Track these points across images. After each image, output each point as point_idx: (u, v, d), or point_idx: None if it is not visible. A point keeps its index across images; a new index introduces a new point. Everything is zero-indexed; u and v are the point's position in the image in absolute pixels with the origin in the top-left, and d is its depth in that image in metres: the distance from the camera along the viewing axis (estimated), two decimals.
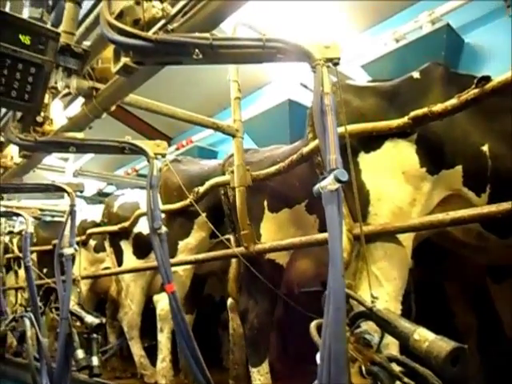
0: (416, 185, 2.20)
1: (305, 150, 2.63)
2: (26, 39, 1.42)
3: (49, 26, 1.65)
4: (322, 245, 2.55)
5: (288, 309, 3.30)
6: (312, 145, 2.51)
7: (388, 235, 2.13)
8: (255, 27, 2.73)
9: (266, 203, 2.99)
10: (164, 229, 2.19)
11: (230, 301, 3.31)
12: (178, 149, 7.77)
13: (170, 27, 1.65)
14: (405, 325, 1.23)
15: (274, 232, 2.92)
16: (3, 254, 6.24)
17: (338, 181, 1.22)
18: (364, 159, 2.29)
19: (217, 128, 3.04)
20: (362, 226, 1.98)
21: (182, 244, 3.86)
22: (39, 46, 1.45)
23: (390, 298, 2.05)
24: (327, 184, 1.25)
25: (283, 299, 2.92)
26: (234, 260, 3.32)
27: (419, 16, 4.28)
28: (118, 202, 4.79)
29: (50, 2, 2.48)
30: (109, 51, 2.30)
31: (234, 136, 3.11)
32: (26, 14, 2.35)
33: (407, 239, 2.19)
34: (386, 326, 1.26)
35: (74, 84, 1.81)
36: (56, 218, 6.79)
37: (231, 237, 3.27)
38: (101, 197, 8.39)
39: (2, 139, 2.51)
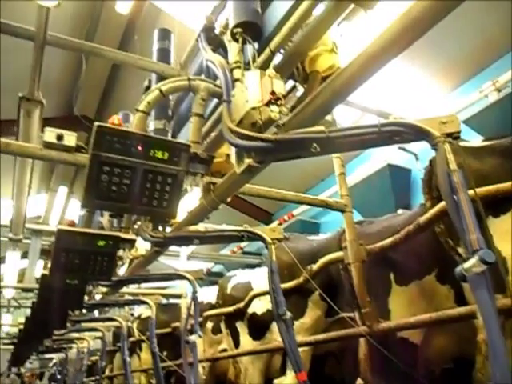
0: None
1: (422, 219, 2.53)
2: (164, 155, 1.61)
3: (182, 140, 1.86)
4: (456, 321, 2.34)
5: None
6: (430, 214, 2.41)
7: None
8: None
9: (392, 276, 2.86)
10: (289, 314, 2.18)
11: (359, 381, 3.11)
12: (280, 224, 7.91)
13: (280, 122, 1.78)
14: None
15: (404, 307, 2.75)
16: (127, 337, 6.62)
17: (485, 262, 1.14)
18: (494, 224, 2.13)
19: (326, 206, 3.06)
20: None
21: (297, 324, 3.78)
22: (174, 158, 1.65)
23: None
24: (472, 266, 1.17)
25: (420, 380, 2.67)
26: (362, 339, 3.15)
27: None
28: (231, 284, 4.91)
29: (170, 113, 2.84)
30: (223, 148, 2.52)
31: (343, 211, 3.10)
32: (151, 126, 2.71)
33: None
34: None
35: (201, 185, 2.00)
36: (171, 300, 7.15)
37: (354, 314, 3.13)
38: (210, 277, 8.72)
39: (135, 237, 2.78)
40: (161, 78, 2.87)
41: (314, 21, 1.69)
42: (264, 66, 1.82)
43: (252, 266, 8.20)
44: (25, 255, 8.05)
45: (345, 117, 5.18)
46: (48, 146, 2.18)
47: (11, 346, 9.24)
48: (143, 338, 6.66)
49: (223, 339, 5.20)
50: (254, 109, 1.65)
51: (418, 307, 2.71)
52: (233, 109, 1.74)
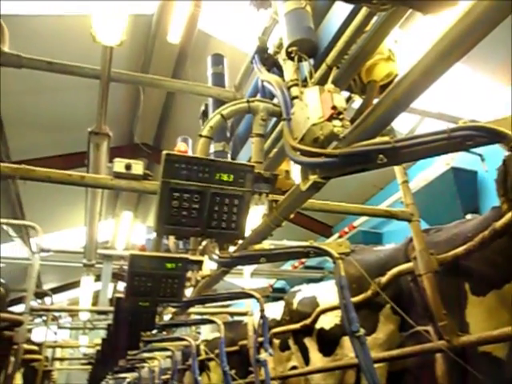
0: None
1: (498, 224, 2.38)
2: (229, 177, 1.65)
3: (244, 162, 1.90)
4: None
5: None
6: (507, 217, 2.27)
7: None
8: None
9: (467, 286, 2.70)
10: (362, 331, 2.12)
11: None
12: (340, 236, 7.78)
13: (341, 135, 1.76)
14: None
15: (484, 319, 2.59)
16: (196, 356, 6.72)
17: None
18: None
19: (390, 216, 2.98)
20: None
21: (369, 340, 3.66)
22: (239, 180, 1.67)
23: None
24: None
25: None
26: (438, 354, 3.00)
27: None
28: (297, 299, 4.86)
29: (228, 135, 2.91)
30: (282, 165, 2.54)
31: (409, 220, 2.99)
32: (211, 149, 2.78)
33: None
34: None
35: (266, 206, 2.01)
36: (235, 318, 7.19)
37: (429, 328, 2.99)
38: (273, 293, 8.69)
39: (202, 258, 2.85)
40: (217, 101, 2.96)
41: (370, 31, 1.68)
42: (321, 82, 1.82)
43: (314, 280, 8.09)
44: (97, 278, 8.48)
45: (402, 123, 5.04)
46: (118, 175, 2.30)
47: (89, 366, 9.68)
48: (212, 356, 6.74)
49: (292, 356, 5.13)
50: (315, 125, 1.65)
51: (498, 318, 2.53)
52: (293, 126, 1.75)
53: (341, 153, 1.55)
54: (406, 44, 2.45)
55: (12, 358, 4.75)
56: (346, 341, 4.34)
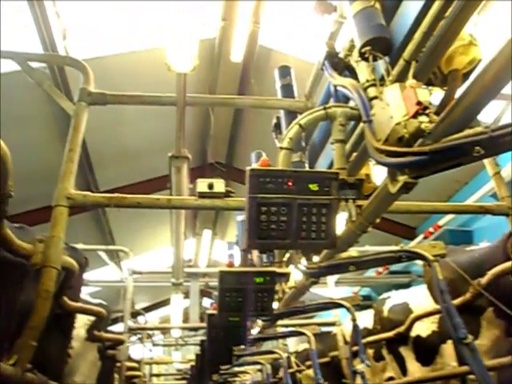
0: None
1: None
2: (314, 187, 1.63)
3: (326, 169, 1.87)
4: None
5: None
6: None
7: None
8: None
9: None
10: (470, 337, 1.97)
11: None
12: (426, 237, 7.39)
13: (425, 132, 1.66)
14: None
15: None
16: (288, 368, 6.66)
17: None
18: None
19: (485, 211, 2.77)
20: None
21: None
22: (325, 188, 1.65)
23: None
24: None
25: None
26: None
27: None
28: (387, 306, 4.67)
29: (303, 144, 2.89)
30: (363, 169, 2.46)
31: (507, 215, 2.76)
32: None
33: None
34: None
35: (353, 211, 1.96)
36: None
37: None
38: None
39: (289, 270, 2.84)
40: (289, 112, 2.97)
41: (449, 18, 1.58)
42: (400, 78, 1.75)
43: (402, 286, 7.72)
44: (185, 296, 8.81)
45: (485, 112, 4.68)
46: (202, 195, 2.37)
47: (183, 382, 10.02)
48: (303, 368, 6.67)
49: (387, 366, 4.92)
50: (398, 124, 1.58)
51: None
52: (376, 128, 1.70)
53: (431, 149, 1.46)
54: (488, 25, 2.29)
55: (116, 375, 5.05)
56: (446, 349, 4.07)
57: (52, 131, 6.59)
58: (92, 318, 3.64)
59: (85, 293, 4.54)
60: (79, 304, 2.95)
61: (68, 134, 2.48)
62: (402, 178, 1.58)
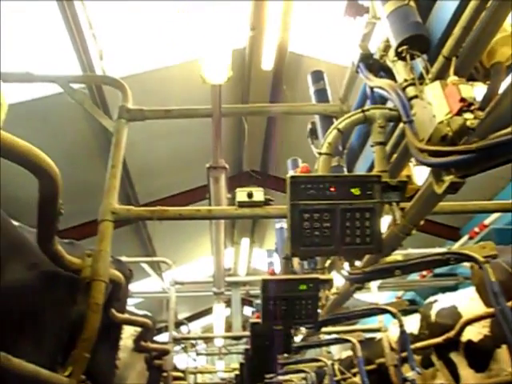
0: None
1: None
2: (356, 191, 1.60)
3: (367, 173, 1.83)
4: None
5: None
6: None
7: None
8: None
9: None
10: None
11: None
12: (471, 238, 7.12)
13: (470, 129, 1.60)
14: None
15: None
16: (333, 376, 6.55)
17: None
18: None
19: None
20: None
21: None
22: (367, 192, 1.62)
23: None
24: None
25: None
26: None
27: None
28: (434, 310, 4.51)
29: (340, 148, 2.86)
30: (405, 170, 2.40)
31: None
32: None
33: None
34: None
35: (398, 214, 1.92)
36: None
37: None
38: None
39: (332, 276, 2.80)
40: (324, 117, 2.95)
41: (490, 10, 1.53)
42: (440, 76, 1.70)
43: (448, 289, 7.45)
44: (226, 305, 8.86)
45: None
46: (241, 204, 2.38)
47: None
48: (349, 375, 6.53)
49: (437, 373, 4.74)
50: (441, 122, 1.54)
51: None
52: (417, 128, 1.65)
53: (478, 147, 1.41)
54: None
55: None
56: (501, 353, 3.89)
57: (92, 149, 6.84)
58: (138, 329, 3.71)
59: (129, 304, 4.64)
60: (126, 315, 3.01)
61: (109, 150, 2.55)
62: (449, 178, 1.53)
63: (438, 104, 1.52)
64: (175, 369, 6.55)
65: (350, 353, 6.60)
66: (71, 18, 4.68)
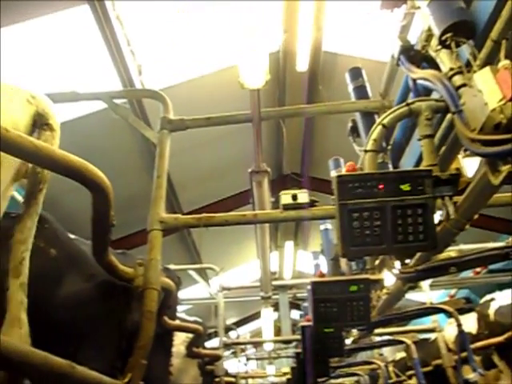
0: None
1: None
2: (406, 187, 1.55)
3: (415, 168, 1.78)
4: None
5: None
6: None
7: None
8: None
9: None
10: None
11: None
12: None
13: None
14: None
15: None
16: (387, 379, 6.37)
17: None
18: None
19: None
20: None
21: None
22: (418, 187, 1.57)
23: None
24: None
25: None
26: None
27: None
28: (493, 309, 4.30)
29: (384, 145, 2.78)
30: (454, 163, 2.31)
31: None
32: None
33: None
34: None
35: (451, 209, 1.84)
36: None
37: None
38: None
39: (383, 276, 2.73)
40: (365, 114, 2.89)
41: None
42: (489, 61, 1.62)
43: (504, 285, 7.08)
44: (274, 309, 8.83)
45: None
46: (286, 207, 2.37)
47: None
48: (404, 378, 6.34)
49: (500, 375, 4.51)
50: (494, 110, 1.46)
51: None
52: (468, 117, 1.58)
53: None
54: None
55: None
56: None
57: (136, 160, 7.04)
58: (190, 335, 3.76)
59: (179, 311, 4.72)
60: (178, 322, 3.06)
61: (150, 161, 2.61)
62: (506, 168, 1.45)
63: (489, 91, 1.45)
64: (227, 374, 6.60)
65: (403, 354, 6.41)
66: (110, 36, 4.84)
